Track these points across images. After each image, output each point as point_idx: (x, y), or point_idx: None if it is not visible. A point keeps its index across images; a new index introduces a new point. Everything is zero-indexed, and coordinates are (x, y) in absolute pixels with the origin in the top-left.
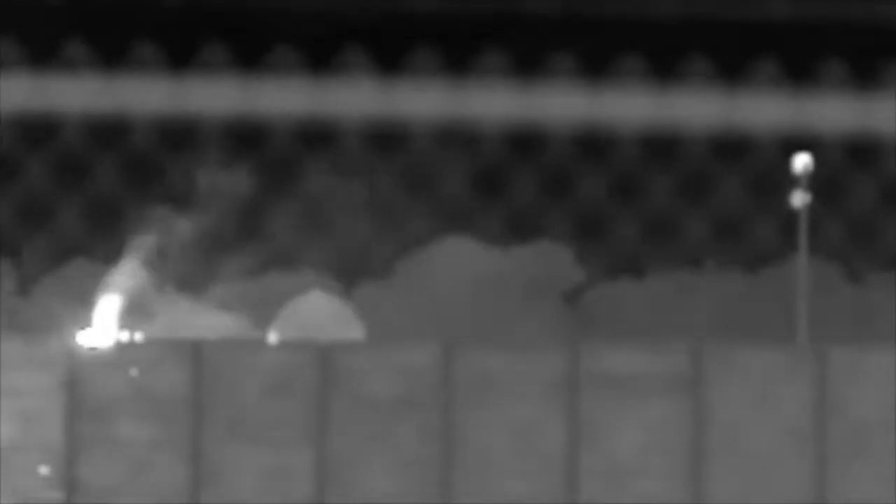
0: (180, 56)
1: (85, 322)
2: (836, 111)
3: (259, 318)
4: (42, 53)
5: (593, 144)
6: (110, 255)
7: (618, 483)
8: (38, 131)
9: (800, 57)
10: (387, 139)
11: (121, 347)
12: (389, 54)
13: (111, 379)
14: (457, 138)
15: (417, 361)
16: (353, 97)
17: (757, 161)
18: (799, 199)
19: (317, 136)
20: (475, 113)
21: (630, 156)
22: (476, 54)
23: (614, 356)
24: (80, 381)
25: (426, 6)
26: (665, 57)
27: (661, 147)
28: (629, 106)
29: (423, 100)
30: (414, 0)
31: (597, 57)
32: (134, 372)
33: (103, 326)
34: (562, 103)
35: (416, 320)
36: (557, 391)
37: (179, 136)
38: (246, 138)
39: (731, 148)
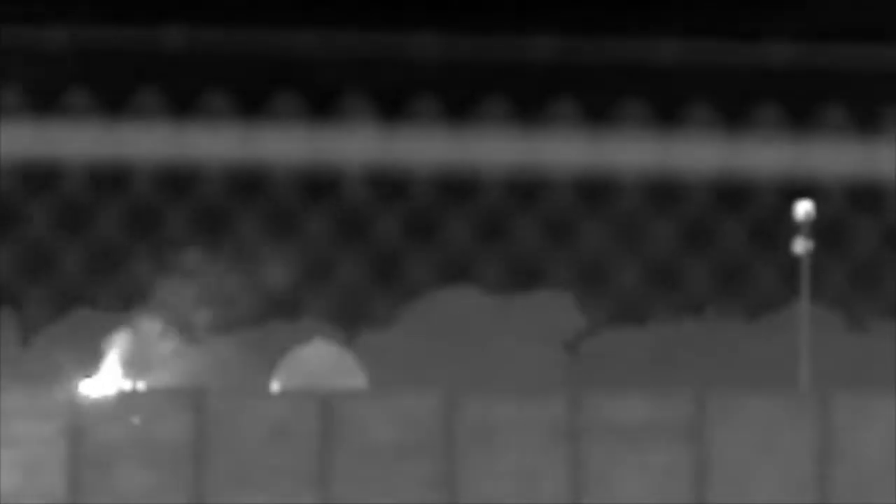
0: (182, 103)
1: (87, 371)
2: (838, 157)
3: (262, 365)
4: (44, 101)
5: (595, 191)
6: (113, 304)
7: None
8: (40, 178)
9: (801, 103)
10: (388, 187)
11: (123, 396)
12: (391, 102)
13: (113, 427)
14: (458, 186)
15: (419, 409)
16: (355, 145)
17: (759, 208)
18: (801, 245)
19: (318, 184)
20: (477, 160)
21: (632, 202)
22: (477, 102)
23: (616, 403)
24: (83, 429)
25: (428, 54)
26: (667, 103)
27: (663, 194)
28: (631, 152)
29: (424, 147)
30: (415, 48)
31: (598, 104)
32: (136, 420)
33: (106, 375)
34: (564, 150)
35: (418, 368)
36: (560, 438)
37: (181, 182)
38: (247, 184)
39: (733, 194)
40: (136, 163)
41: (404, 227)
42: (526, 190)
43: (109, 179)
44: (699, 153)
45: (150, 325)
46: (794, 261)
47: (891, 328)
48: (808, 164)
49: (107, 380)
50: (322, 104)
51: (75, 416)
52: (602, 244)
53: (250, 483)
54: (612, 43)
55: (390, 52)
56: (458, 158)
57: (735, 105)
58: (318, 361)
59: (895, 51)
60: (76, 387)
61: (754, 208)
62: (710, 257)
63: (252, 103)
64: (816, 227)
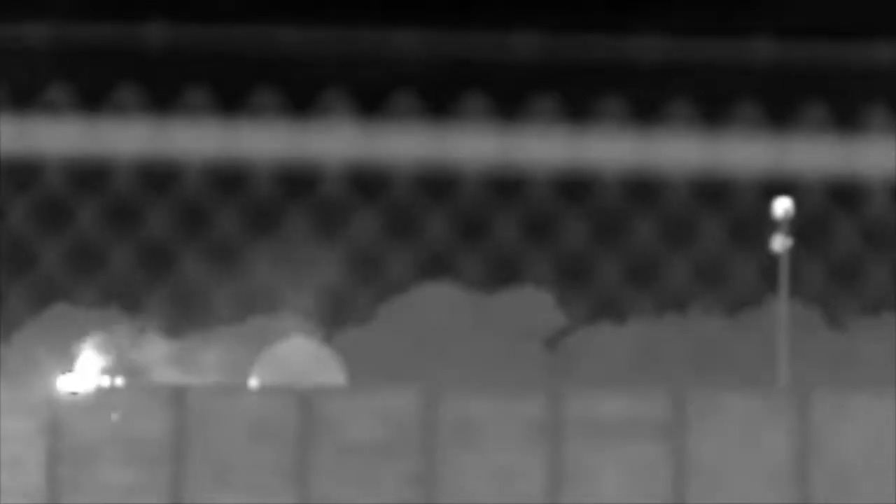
0: (162, 100)
1: (66, 367)
2: (817, 154)
3: (240, 362)
4: (24, 97)
5: (575, 188)
6: (92, 300)
7: None
8: (19, 175)
9: (781, 100)
10: (368, 183)
11: (102, 392)
12: (371, 98)
13: (93, 424)
14: (438, 182)
15: (399, 406)
16: (335, 141)
17: (738, 205)
18: (779, 243)
19: (298, 180)
20: (457, 157)
21: (611, 200)
22: (458, 98)
23: (596, 401)
24: (62, 426)
25: (408, 50)
26: (647, 100)
27: (643, 191)
28: (611, 150)
29: (404, 144)
30: (396, 45)
31: (578, 101)
32: (115, 417)
33: (85, 371)
34: (543, 147)
35: (398, 365)
36: (539, 435)
37: (162, 179)
38: (227, 181)
39: (713, 192)
40: (116, 159)
41: (384, 224)
42: (506, 187)
43: (90, 176)
44: (679, 150)
45: (129, 321)
46: (773, 258)
47: (870, 326)
48: (787, 161)
49: (86, 376)
50: (303, 101)
51: (54, 412)
52: (582, 241)
53: (229, 480)
54: (593, 40)
55: (371, 49)
56: (438, 155)
57: (715, 102)
58: (297, 358)
59: (875, 48)
60: (55, 383)
61: (733, 205)
62: (689, 255)
63: (232, 100)
64: (795, 225)
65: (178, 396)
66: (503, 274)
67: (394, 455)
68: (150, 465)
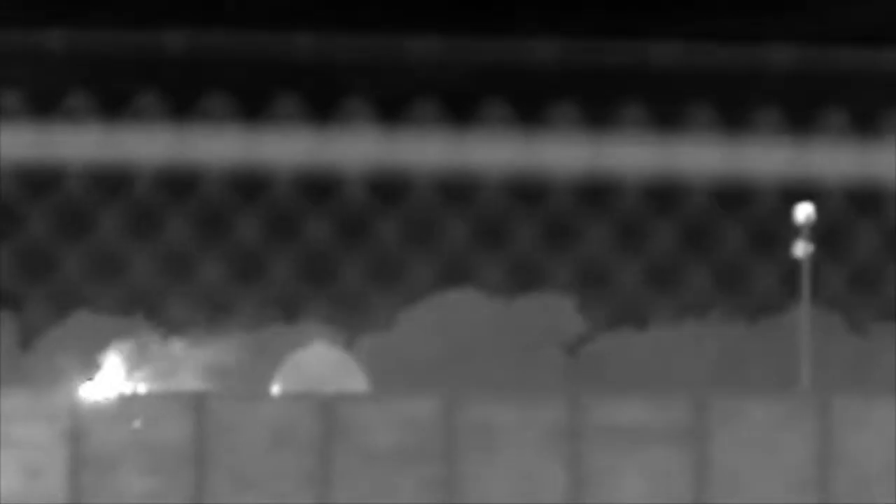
0: (182, 106)
1: (88, 374)
2: (839, 160)
3: (262, 369)
4: (44, 104)
5: (595, 194)
6: (113, 307)
7: None
8: (40, 182)
9: (802, 106)
10: (389, 190)
11: (124, 400)
12: (391, 105)
13: (114, 431)
14: (459, 189)
15: (420, 412)
16: (355, 148)
17: (759, 211)
18: (801, 249)
19: (319, 187)
20: (477, 163)
21: (632, 205)
22: (478, 105)
23: (617, 406)
24: (84, 433)
25: (428, 57)
26: (667, 106)
27: (664, 197)
28: (631, 156)
29: (424, 150)
30: (416, 51)
31: (599, 106)
32: (137, 424)
33: (106, 378)
34: (564, 153)
35: (419, 371)
36: (560, 441)
37: (182, 185)
38: (248, 188)
39: (734, 197)
40: (137, 166)
41: (405, 230)
42: (526, 193)
43: (110, 182)
44: (700, 156)
45: (150, 328)
46: (795, 264)
47: (891, 331)
48: (808, 167)
49: (107, 383)
50: (322, 107)
51: (76, 419)
52: (602, 247)
53: (251, 486)
54: (613, 46)
55: (391, 55)
56: (458, 161)
57: (735, 108)
58: (319, 365)
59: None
60: (77, 390)
61: (755, 211)
62: (710, 260)
63: (253, 106)
64: (817, 231)
65: (199, 403)
66: (524, 280)
67: (415, 461)
68: (171, 471)
